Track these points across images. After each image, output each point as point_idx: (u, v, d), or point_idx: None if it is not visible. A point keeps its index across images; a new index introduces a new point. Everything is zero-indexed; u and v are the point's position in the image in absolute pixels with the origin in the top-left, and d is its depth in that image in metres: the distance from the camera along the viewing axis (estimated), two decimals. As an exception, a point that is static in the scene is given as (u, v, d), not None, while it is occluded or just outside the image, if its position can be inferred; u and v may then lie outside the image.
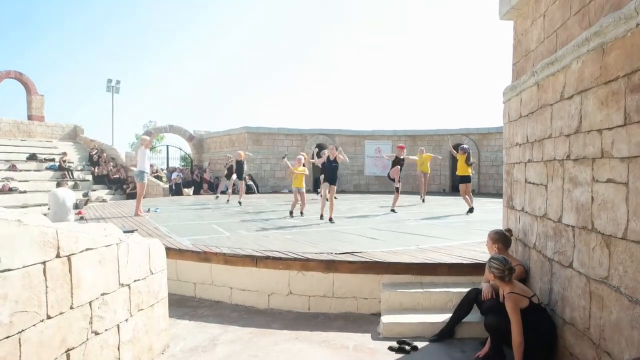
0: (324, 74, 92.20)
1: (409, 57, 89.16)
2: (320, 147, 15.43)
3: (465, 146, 11.06)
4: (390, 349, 3.89)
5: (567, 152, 3.21)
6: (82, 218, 9.82)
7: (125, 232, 3.43)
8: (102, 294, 2.91)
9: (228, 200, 14.46)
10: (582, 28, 3.12)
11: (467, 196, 10.57)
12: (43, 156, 20.05)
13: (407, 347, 3.86)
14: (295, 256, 5.18)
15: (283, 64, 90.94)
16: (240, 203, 13.22)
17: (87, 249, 2.76)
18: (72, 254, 2.61)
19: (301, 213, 10.33)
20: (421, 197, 14.06)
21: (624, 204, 2.46)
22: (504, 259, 3.55)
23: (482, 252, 5.13)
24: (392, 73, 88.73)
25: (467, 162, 10.60)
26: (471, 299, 4.09)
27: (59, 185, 9.26)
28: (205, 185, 20.39)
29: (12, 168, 17.90)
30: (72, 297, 2.60)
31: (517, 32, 4.79)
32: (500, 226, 5.03)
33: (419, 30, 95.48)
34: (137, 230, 7.67)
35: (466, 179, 10.64)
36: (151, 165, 13.20)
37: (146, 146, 10.75)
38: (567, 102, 3.23)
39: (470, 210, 10.42)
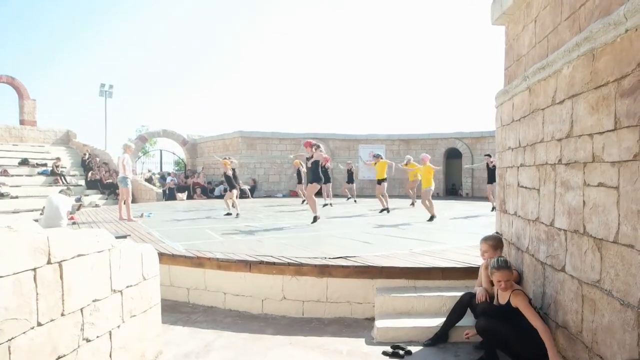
0: (317, 78, 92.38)
1: (403, 62, 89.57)
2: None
3: (378, 153, 14.21)
4: (384, 353, 3.88)
5: (559, 156, 3.24)
6: (74, 223, 9.76)
7: (117, 237, 3.41)
8: (94, 301, 2.88)
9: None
10: (573, 33, 3.15)
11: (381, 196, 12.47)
12: (35, 161, 19.94)
13: (401, 352, 3.86)
14: (289, 261, 5.16)
15: (276, 68, 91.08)
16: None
17: (79, 255, 2.73)
18: (64, 260, 2.58)
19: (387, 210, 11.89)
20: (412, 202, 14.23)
21: (615, 207, 2.48)
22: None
23: (475, 256, 5.14)
24: (386, 78, 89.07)
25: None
26: (465, 303, 4.10)
27: (60, 192, 9.25)
28: (198, 190, 20.32)
29: (4, 173, 17.77)
30: (63, 303, 2.58)
31: (508, 37, 4.82)
32: (492, 229, 5.05)
33: (412, 35, 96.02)
34: (129, 235, 7.62)
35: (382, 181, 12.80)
36: (133, 171, 13.26)
37: (129, 153, 10.81)
38: (559, 106, 3.26)
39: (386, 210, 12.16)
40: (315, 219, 9.18)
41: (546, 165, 3.48)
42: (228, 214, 11.65)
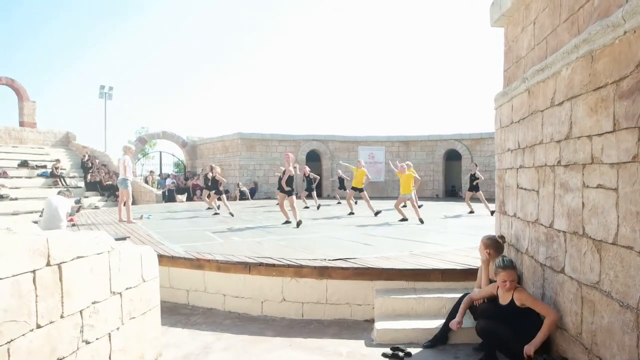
0: (317, 79, 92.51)
1: (402, 63, 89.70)
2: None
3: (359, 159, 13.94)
4: (384, 355, 3.88)
5: (558, 157, 3.24)
6: (73, 225, 9.75)
7: (117, 239, 3.40)
8: (93, 303, 2.88)
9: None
10: (572, 35, 3.15)
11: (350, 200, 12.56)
12: (35, 163, 19.92)
13: (401, 354, 3.86)
14: (289, 263, 5.16)
15: (276, 69, 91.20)
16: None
17: (78, 257, 2.73)
18: (63, 262, 2.58)
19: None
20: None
21: (614, 209, 2.48)
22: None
23: (474, 258, 5.14)
24: (386, 79, 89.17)
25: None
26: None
27: (59, 194, 9.22)
28: (198, 192, 20.31)
29: (4, 175, 17.75)
30: (62, 305, 2.58)
31: (507, 38, 4.83)
32: (492, 231, 5.05)
33: (412, 36, 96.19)
34: (129, 237, 7.61)
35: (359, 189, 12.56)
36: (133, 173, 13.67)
37: (129, 154, 10.80)
38: (558, 108, 3.26)
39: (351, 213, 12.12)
40: (298, 224, 9.48)
41: (545, 167, 3.49)
42: (230, 214, 12.02)
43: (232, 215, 11.78)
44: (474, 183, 12.81)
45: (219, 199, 12.86)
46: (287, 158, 10.01)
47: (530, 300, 3.37)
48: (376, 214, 11.50)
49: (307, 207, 14.56)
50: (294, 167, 10.32)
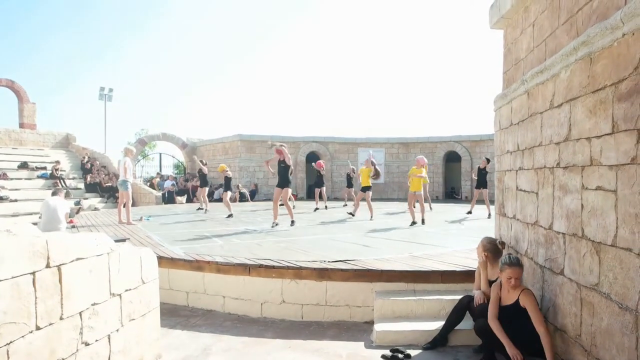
0: (317, 81, 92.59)
1: (402, 65, 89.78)
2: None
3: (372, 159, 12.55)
4: (384, 357, 3.88)
5: (557, 159, 3.24)
6: (73, 227, 9.75)
7: (116, 241, 3.41)
8: (93, 304, 2.88)
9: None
10: (570, 37, 3.16)
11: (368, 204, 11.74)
12: (34, 164, 19.92)
13: (400, 356, 3.85)
14: (288, 264, 5.16)
15: (276, 71, 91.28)
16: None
17: (78, 259, 2.73)
18: (63, 264, 2.58)
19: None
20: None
21: (613, 211, 2.49)
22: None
23: (474, 259, 5.14)
24: (385, 81, 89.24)
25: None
26: (464, 306, 4.09)
27: (54, 194, 9.19)
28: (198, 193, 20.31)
29: (3, 176, 17.76)
30: (62, 307, 2.58)
31: (507, 41, 4.84)
32: (492, 233, 5.05)
33: (411, 38, 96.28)
34: (128, 239, 7.61)
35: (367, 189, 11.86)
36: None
37: (130, 156, 10.81)
38: (557, 110, 3.27)
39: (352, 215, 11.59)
40: (275, 225, 9.34)
41: (545, 169, 3.49)
42: (229, 215, 12.00)
43: (232, 216, 11.83)
44: (485, 179, 12.08)
45: (210, 199, 12.87)
46: (283, 150, 9.57)
47: (532, 307, 3.34)
48: (351, 213, 11.71)
49: (325, 208, 14.30)
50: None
